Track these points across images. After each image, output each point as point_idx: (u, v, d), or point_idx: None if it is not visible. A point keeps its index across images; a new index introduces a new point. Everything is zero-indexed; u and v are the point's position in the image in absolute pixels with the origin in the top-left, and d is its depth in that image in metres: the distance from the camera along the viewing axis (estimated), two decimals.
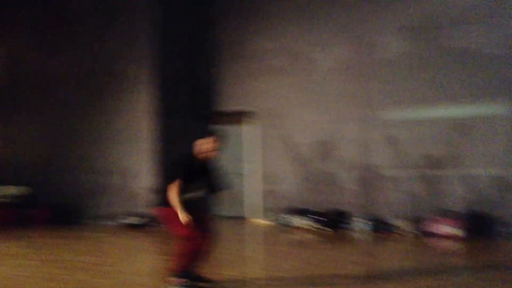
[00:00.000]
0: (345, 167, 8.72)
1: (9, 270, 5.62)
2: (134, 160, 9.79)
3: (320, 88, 9.00)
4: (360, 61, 8.64)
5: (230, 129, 10.52)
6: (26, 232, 9.49)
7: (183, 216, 4.29)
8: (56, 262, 6.06)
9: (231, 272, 5.21)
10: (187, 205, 4.38)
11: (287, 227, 8.67)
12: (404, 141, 8.18)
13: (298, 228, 8.44)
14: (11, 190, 11.08)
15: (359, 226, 8.23)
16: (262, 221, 9.41)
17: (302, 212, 8.79)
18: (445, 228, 7.30)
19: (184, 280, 4.41)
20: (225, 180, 4.77)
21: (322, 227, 8.34)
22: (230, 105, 10.04)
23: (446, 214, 7.45)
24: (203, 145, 4.51)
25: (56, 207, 10.47)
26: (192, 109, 10.30)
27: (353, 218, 8.48)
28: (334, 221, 8.40)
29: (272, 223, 9.05)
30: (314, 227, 8.37)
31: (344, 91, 8.78)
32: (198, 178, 4.54)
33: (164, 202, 4.45)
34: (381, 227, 7.91)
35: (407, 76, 8.22)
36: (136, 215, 9.58)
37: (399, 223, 7.78)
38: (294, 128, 9.25)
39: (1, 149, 11.85)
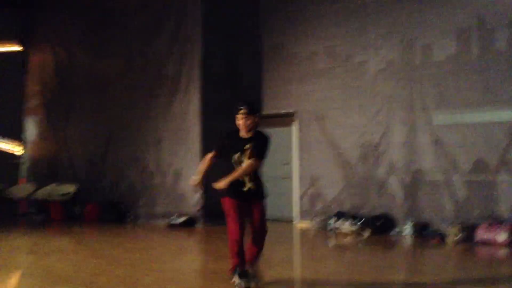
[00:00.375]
0: (390, 171, 8.52)
1: (58, 263, 5.87)
2: (183, 161, 9.99)
3: (368, 90, 8.85)
4: (410, 63, 8.44)
5: (275, 132, 10.56)
6: (76, 228, 9.89)
7: (193, 179, 4.69)
8: (103, 257, 6.26)
9: (269, 273, 5.22)
10: (232, 186, 4.42)
11: (329, 231, 8.57)
12: (453, 146, 7.90)
13: (339, 231, 8.33)
14: (65, 188, 11.56)
15: (403, 231, 8.03)
16: (304, 224, 9.35)
17: (344, 216, 8.66)
18: (493, 235, 6.99)
19: (238, 278, 4.44)
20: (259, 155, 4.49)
21: (364, 231, 8.19)
22: (275, 108, 10.04)
23: (494, 221, 7.13)
24: (236, 120, 4.54)
25: (107, 205, 10.84)
26: (236, 112, 10.39)
27: (397, 223, 8.29)
28: (377, 225, 8.23)
29: (314, 226, 8.98)
30: (356, 231, 8.23)
31: (392, 94, 8.59)
32: (235, 153, 4.49)
33: (221, 193, 4.48)
34: (426, 233, 7.67)
35: (458, 79, 7.94)
36: (185, 215, 9.76)
37: (445, 229, 7.52)
38: (339, 131, 9.13)
39: (56, 148, 12.40)
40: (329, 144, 9.24)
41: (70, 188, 11.47)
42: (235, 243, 4.38)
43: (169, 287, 4.63)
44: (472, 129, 7.76)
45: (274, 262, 6.14)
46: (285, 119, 10.07)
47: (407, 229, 7.95)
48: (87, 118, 11.75)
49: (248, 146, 4.47)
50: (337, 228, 8.44)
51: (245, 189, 4.50)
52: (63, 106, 12.21)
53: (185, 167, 9.96)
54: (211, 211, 9.31)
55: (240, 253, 4.43)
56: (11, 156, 12.89)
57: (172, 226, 9.50)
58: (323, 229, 8.78)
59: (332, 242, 7.86)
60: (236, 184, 4.46)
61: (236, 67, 10.47)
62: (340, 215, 8.72)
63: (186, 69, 10.05)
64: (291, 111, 9.83)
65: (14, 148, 12.95)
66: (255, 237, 4.57)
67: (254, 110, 4.55)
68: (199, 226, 9.54)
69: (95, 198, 11.17)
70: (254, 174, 4.55)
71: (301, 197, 9.62)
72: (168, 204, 10.16)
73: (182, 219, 9.62)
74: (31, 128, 12.96)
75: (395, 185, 8.47)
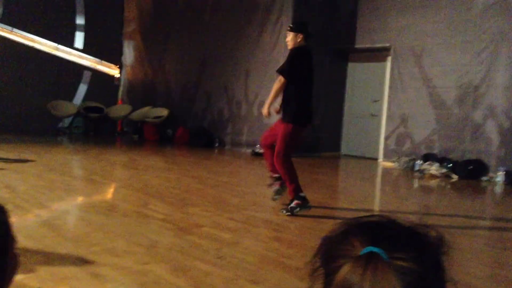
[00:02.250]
0: (488, 115, 8.04)
1: (153, 179, 6.32)
2: (270, 93, 10.04)
3: (473, 26, 8.20)
4: None
5: (367, 67, 10.23)
6: (168, 149, 10.49)
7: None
8: (193, 177, 6.64)
9: (345, 205, 5.28)
10: None
11: (415, 172, 8.39)
12: None
13: (426, 173, 8.12)
14: (158, 111, 12.18)
15: (495, 178, 7.66)
16: (389, 163, 9.21)
17: (432, 158, 8.40)
18: None
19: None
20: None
21: (452, 175, 7.92)
22: (369, 41, 9.66)
23: None
24: None
25: (197, 130, 11.33)
26: (329, 43, 10.14)
27: (489, 169, 7.91)
28: (467, 170, 7.91)
29: (399, 166, 8.81)
30: (444, 174, 7.98)
31: (501, 31, 7.90)
32: None
33: None
34: None
35: None
36: None
37: None
38: (437, 69, 8.65)
39: (152, 73, 12.96)
40: (425, 82, 8.82)
41: (163, 112, 12.08)
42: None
43: (253, 209, 4.84)
44: None
45: (354, 198, 6.19)
46: (379, 53, 9.69)
47: (500, 177, 7.58)
48: (182, 45, 12.06)
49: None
50: (424, 170, 8.23)
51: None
52: (160, 32, 12.59)
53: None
54: None
55: (267, 160, 4.88)
56: (110, 78, 13.68)
57: (256, 154, 9.76)
58: (409, 170, 8.60)
59: (417, 183, 7.70)
60: None
61: None
62: (428, 157, 8.47)
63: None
64: (386, 45, 9.40)
65: (113, 71, 13.71)
66: None
67: (292, 27, 4.68)
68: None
69: (186, 123, 11.70)
70: (284, 94, 4.64)
71: (389, 136, 9.41)
72: (253, 134, 10.39)
73: None
74: (129, 52, 13.58)
75: (491, 130, 8.00)
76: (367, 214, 0.79)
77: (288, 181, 4.60)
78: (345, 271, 0.69)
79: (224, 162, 9.19)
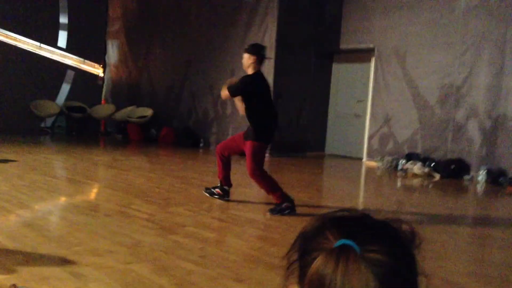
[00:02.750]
0: (470, 115, 8.15)
1: (137, 179, 6.28)
2: None
3: (456, 28, 8.29)
4: (506, 0, 7.78)
5: (352, 67, 10.31)
6: (152, 149, 10.43)
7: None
8: (178, 177, 6.62)
9: (330, 204, 5.31)
10: None
11: (398, 171, 8.47)
12: None
13: (409, 172, 8.20)
14: (142, 111, 12.11)
15: (477, 177, 7.77)
16: (373, 163, 9.28)
17: (415, 157, 8.48)
18: None
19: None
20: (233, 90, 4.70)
21: (435, 174, 8.01)
22: (354, 43, 9.72)
23: None
24: None
25: (182, 130, 11.28)
26: (314, 44, 10.19)
27: (471, 169, 8.02)
28: (449, 169, 8.01)
29: (383, 166, 8.88)
30: (426, 173, 8.07)
31: (483, 32, 8.00)
32: None
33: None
34: (501, 180, 7.38)
35: None
36: None
37: None
38: (420, 69, 8.74)
39: (136, 72, 12.89)
40: (408, 83, 8.90)
41: (147, 112, 12.01)
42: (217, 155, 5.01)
43: (237, 208, 4.85)
44: None
45: (339, 197, 6.23)
46: (364, 54, 9.76)
47: (481, 175, 7.69)
48: (167, 44, 12.01)
49: None
50: (406, 169, 8.31)
51: None
52: (145, 31, 12.52)
53: None
54: (276, 144, 9.44)
55: (220, 168, 5.02)
56: (94, 77, 13.56)
57: (241, 155, 9.75)
58: (392, 169, 8.68)
59: (400, 182, 7.78)
60: None
61: None
62: (411, 157, 8.55)
63: (265, 0, 9.86)
64: (370, 46, 9.48)
65: (97, 70, 13.59)
66: None
67: (247, 49, 4.78)
68: (266, 157, 9.73)
69: (171, 123, 11.64)
70: (246, 113, 4.73)
71: (372, 136, 9.48)
72: None
73: None
74: (113, 52, 13.48)
75: (473, 130, 8.11)
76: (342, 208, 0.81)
77: (271, 192, 4.69)
78: (318, 263, 0.70)
79: (209, 162, 9.16)
